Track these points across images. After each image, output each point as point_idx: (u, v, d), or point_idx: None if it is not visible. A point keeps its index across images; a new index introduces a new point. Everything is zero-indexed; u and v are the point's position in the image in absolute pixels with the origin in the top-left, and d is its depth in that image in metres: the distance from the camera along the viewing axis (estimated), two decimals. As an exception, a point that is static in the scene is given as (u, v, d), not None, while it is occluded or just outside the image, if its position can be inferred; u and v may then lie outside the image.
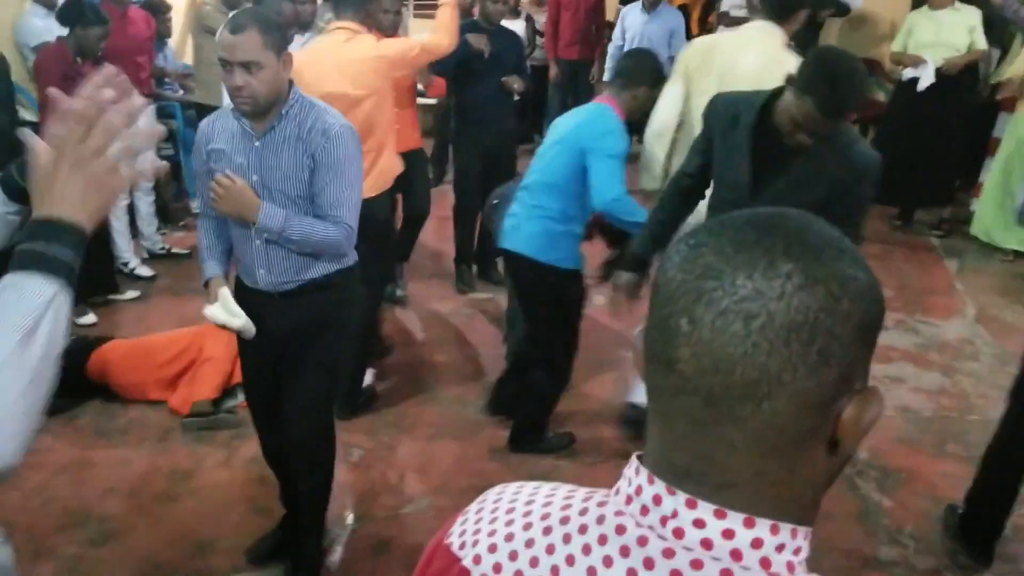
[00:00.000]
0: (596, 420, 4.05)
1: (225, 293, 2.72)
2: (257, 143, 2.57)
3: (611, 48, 7.44)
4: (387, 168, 4.00)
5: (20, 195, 1.34)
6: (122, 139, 1.17)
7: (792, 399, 0.65)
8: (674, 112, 3.76)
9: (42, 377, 1.09)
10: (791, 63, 3.10)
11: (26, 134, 1.20)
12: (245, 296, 2.77)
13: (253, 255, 2.69)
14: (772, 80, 2.91)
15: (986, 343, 4.88)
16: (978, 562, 3.12)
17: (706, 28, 8.32)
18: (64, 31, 4.84)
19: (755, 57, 3.37)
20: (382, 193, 4.00)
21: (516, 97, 5.23)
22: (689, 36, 8.03)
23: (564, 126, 3.52)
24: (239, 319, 2.70)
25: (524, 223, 3.50)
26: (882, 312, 0.69)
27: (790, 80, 2.48)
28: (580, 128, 3.40)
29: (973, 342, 4.89)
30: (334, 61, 3.66)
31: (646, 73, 3.51)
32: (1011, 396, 3.05)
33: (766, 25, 3.49)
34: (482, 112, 5.13)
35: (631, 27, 7.21)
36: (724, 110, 2.75)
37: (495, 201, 4.26)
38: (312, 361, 2.79)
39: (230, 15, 2.68)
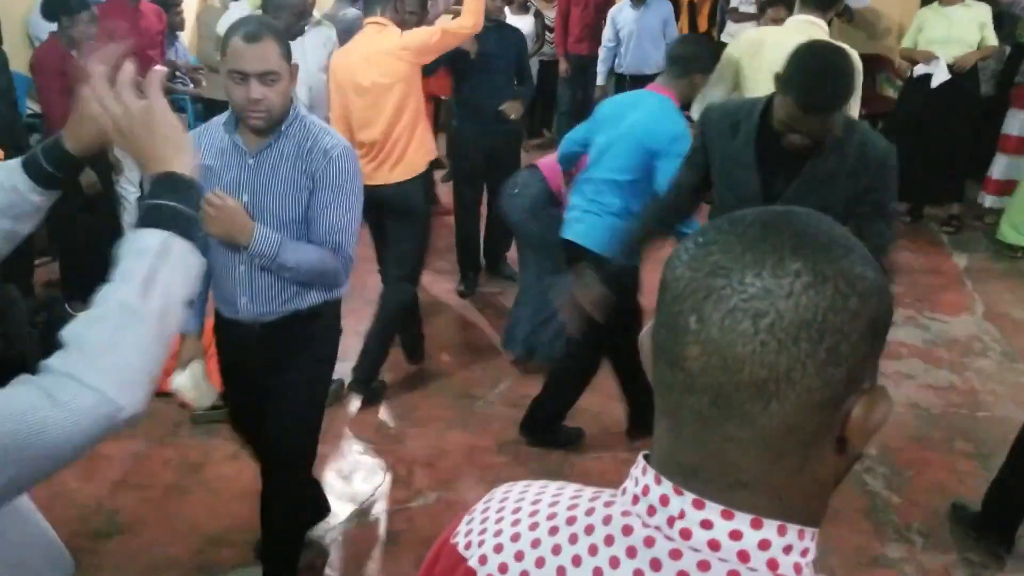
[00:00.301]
0: (605, 414, 4.04)
1: (197, 367, 2.62)
2: (251, 160, 2.40)
3: (602, 50, 7.37)
4: (419, 151, 4.17)
5: (47, 180, 1.34)
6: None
7: (801, 398, 0.64)
8: None
9: (164, 329, 1.12)
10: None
11: (103, 105, 1.24)
12: (224, 328, 2.65)
13: (235, 282, 2.49)
14: None
15: (995, 339, 4.86)
16: (997, 551, 3.12)
17: (714, 24, 8.27)
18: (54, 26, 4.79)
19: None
20: (416, 176, 4.14)
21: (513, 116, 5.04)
22: (703, 33, 8.02)
23: (622, 117, 3.43)
24: (206, 399, 2.62)
25: (585, 216, 3.49)
26: (891, 310, 0.69)
27: (776, 78, 2.39)
28: (646, 126, 3.32)
29: (982, 339, 4.87)
30: (365, 54, 3.97)
31: (703, 59, 3.48)
32: None
33: (809, 18, 3.79)
34: (481, 109, 5.02)
35: (625, 24, 7.17)
36: (722, 119, 2.66)
37: (515, 191, 4.29)
38: (293, 398, 2.63)
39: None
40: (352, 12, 5.95)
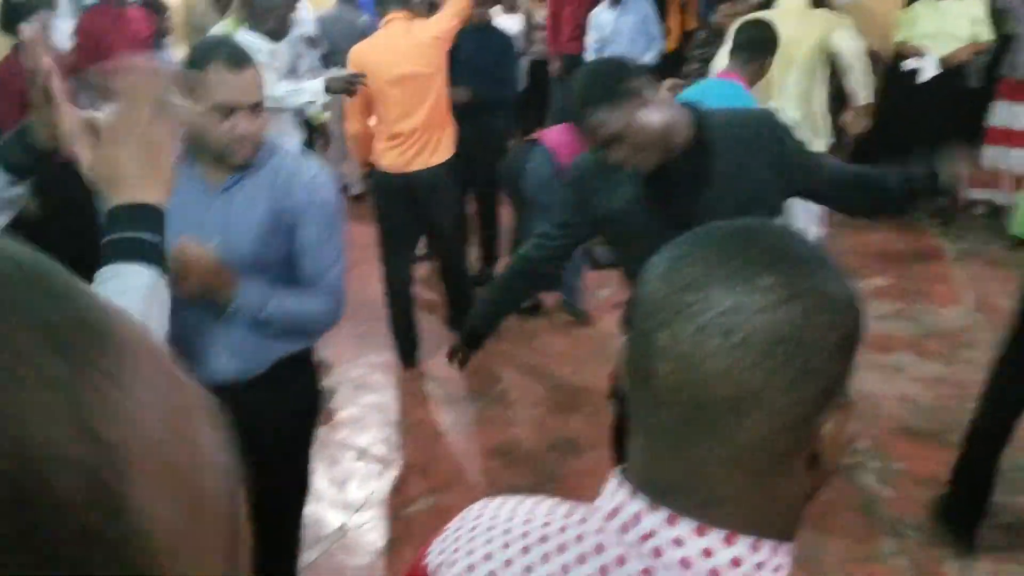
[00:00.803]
0: (600, 413, 4.03)
1: None
2: (218, 198, 2.06)
3: (588, 53, 7.36)
4: (451, 133, 4.47)
5: (22, 170, 1.32)
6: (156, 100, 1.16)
7: (772, 415, 0.65)
8: None
9: None
10: (818, 13, 4.61)
11: (92, 117, 1.17)
12: None
13: (209, 340, 2.10)
14: (809, 29, 4.45)
15: (985, 331, 4.86)
16: (961, 546, 3.13)
17: (701, 21, 8.25)
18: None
19: (794, 22, 4.36)
20: (448, 159, 4.40)
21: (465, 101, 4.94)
22: (690, 31, 8.01)
23: None
24: None
25: None
26: (862, 326, 0.69)
27: None
28: None
29: (972, 330, 4.88)
30: (404, 47, 4.16)
31: (769, 42, 3.69)
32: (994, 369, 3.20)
33: (797, 1, 4.61)
34: (460, 110, 4.82)
35: (606, 25, 7.17)
36: (594, 175, 2.39)
37: (531, 164, 4.51)
38: (283, 488, 2.31)
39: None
40: (365, 18, 6.13)
